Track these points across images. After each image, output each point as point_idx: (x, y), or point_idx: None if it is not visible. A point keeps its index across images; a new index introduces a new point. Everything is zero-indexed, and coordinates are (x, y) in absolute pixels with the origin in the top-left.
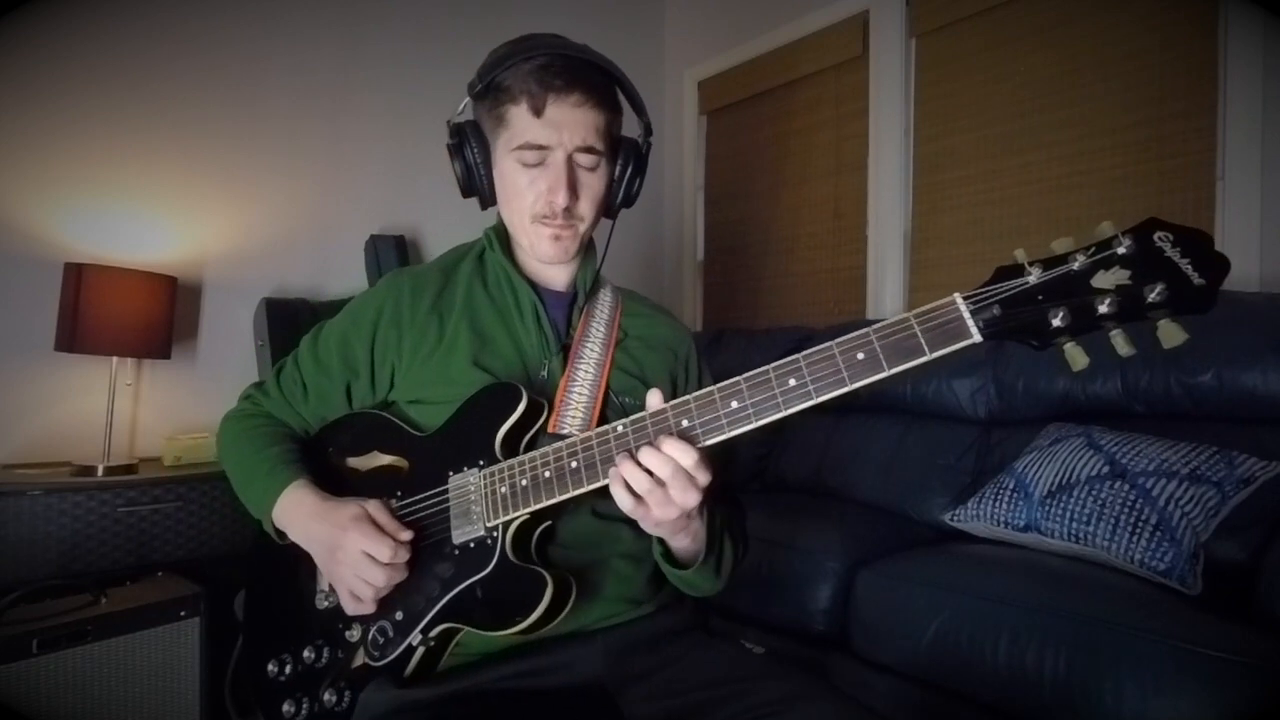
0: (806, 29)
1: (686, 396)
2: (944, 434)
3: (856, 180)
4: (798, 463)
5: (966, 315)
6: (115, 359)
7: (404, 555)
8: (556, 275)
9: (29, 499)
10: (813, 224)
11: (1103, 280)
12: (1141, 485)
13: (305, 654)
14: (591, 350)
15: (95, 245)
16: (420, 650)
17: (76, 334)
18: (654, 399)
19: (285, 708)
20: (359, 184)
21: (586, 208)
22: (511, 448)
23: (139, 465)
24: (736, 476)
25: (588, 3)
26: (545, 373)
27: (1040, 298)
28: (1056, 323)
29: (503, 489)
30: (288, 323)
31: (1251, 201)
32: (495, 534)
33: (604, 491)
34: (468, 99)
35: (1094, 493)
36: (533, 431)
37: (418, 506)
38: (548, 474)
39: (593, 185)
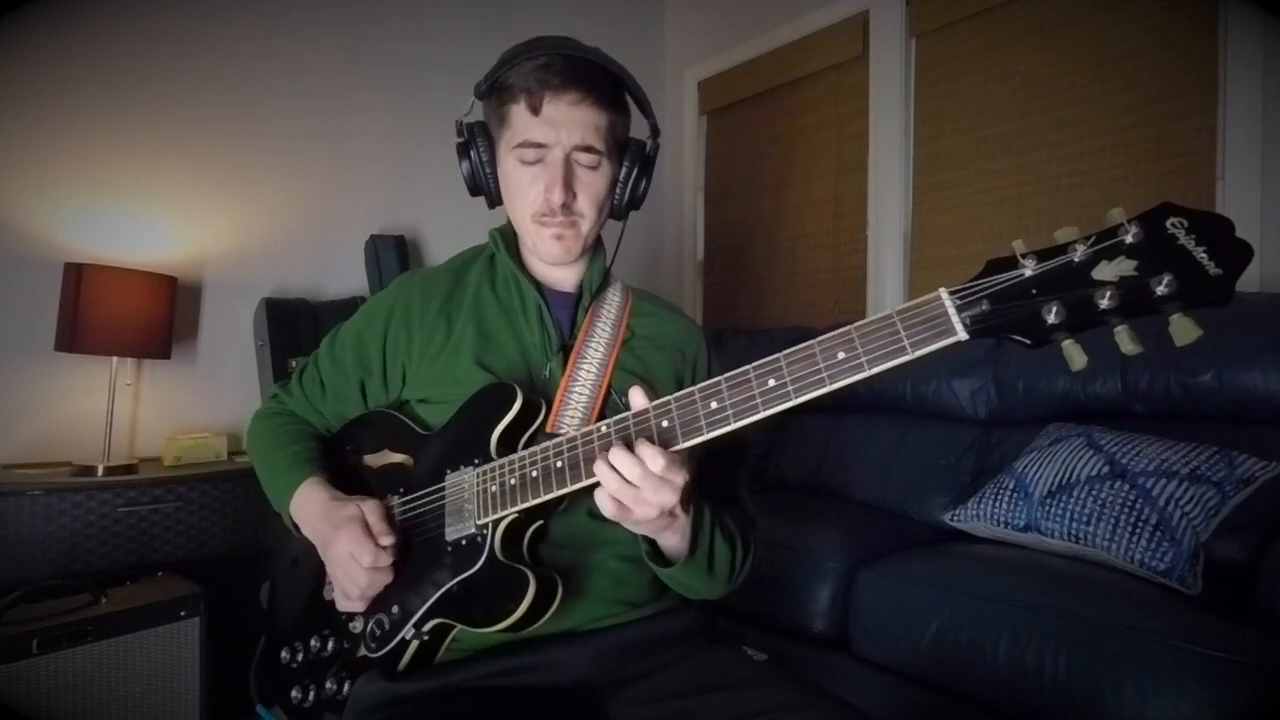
0: (806, 29)
1: (668, 397)
2: (944, 434)
3: (856, 180)
4: (798, 463)
5: (952, 311)
6: (115, 359)
7: (385, 559)
8: (563, 275)
9: (29, 499)
10: (813, 224)
11: (1105, 272)
12: (1141, 485)
13: (313, 643)
14: (595, 350)
15: (95, 245)
16: (414, 644)
17: (76, 334)
18: (636, 398)
19: (294, 694)
20: (359, 184)
21: (586, 206)
22: (509, 447)
23: (139, 465)
24: (743, 477)
25: (588, 3)
26: (547, 372)
27: (1034, 291)
28: (1051, 319)
29: (493, 487)
30: (288, 323)
31: (1251, 201)
32: (485, 532)
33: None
34: (475, 99)
35: (1094, 493)
36: (530, 431)
37: (417, 503)
38: (534, 473)
39: (593, 184)
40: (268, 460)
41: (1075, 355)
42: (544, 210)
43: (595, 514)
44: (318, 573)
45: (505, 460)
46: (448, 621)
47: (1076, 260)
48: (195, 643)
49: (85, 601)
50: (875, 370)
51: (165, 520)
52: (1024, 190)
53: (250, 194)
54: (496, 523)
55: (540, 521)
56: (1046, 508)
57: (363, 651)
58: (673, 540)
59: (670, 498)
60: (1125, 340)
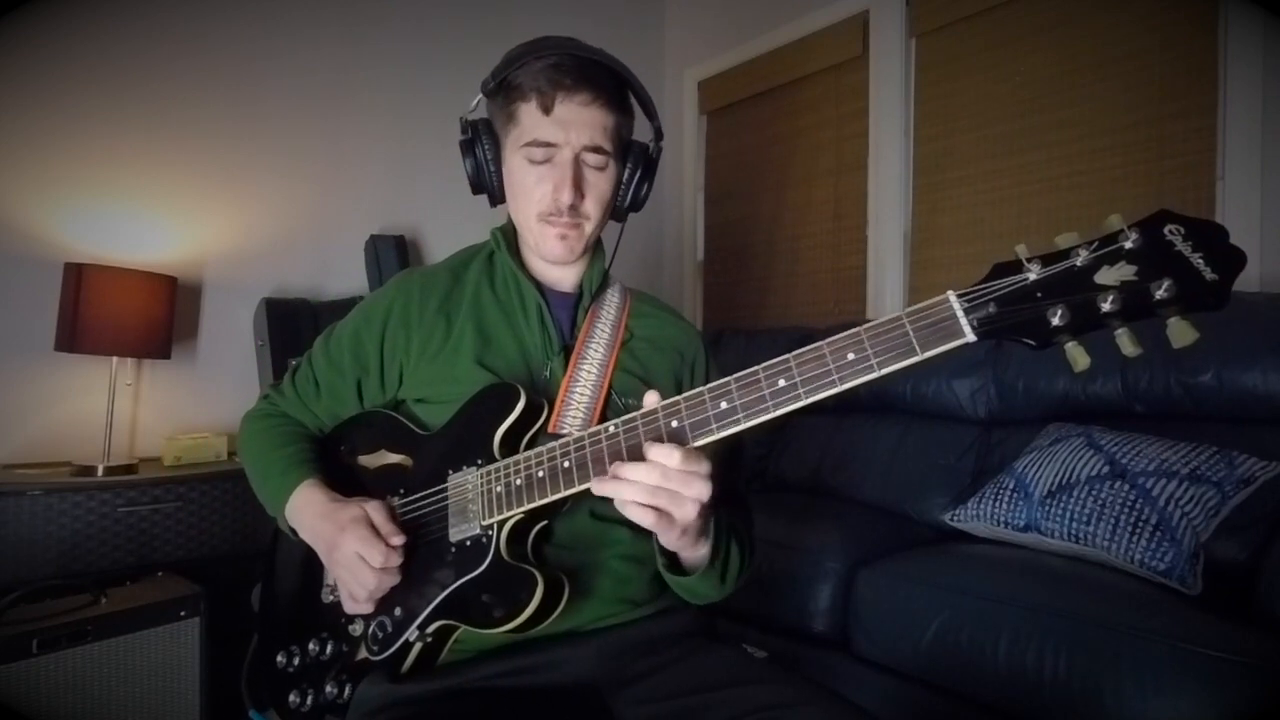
0: (806, 29)
1: (677, 397)
2: (944, 434)
3: (856, 180)
4: (798, 463)
5: (960, 314)
6: (115, 359)
7: (395, 560)
8: (563, 276)
9: (29, 499)
10: (813, 224)
11: (1107, 276)
12: (1141, 485)
13: (311, 646)
14: (595, 351)
15: (95, 245)
16: (417, 646)
17: (76, 334)
18: (650, 399)
19: (292, 698)
20: (359, 184)
21: (592, 207)
22: (511, 447)
23: (139, 465)
24: (742, 478)
25: (588, 3)
26: (548, 373)
27: (1039, 295)
28: (1056, 321)
29: (498, 488)
30: (288, 323)
31: (1251, 201)
32: (490, 533)
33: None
34: (480, 96)
35: (1094, 493)
36: (532, 431)
37: (418, 504)
38: (541, 474)
39: (599, 185)
40: (261, 462)
41: (1078, 357)
42: (550, 210)
43: (598, 514)
44: (313, 575)
45: (510, 461)
46: (452, 623)
47: (1079, 265)
48: (195, 643)
49: (85, 601)
50: (885, 371)
51: (165, 520)
52: (1024, 190)
53: (250, 194)
54: (502, 523)
55: (545, 522)
56: (1046, 508)
57: (363, 654)
58: (703, 550)
59: (704, 488)
60: (1126, 342)
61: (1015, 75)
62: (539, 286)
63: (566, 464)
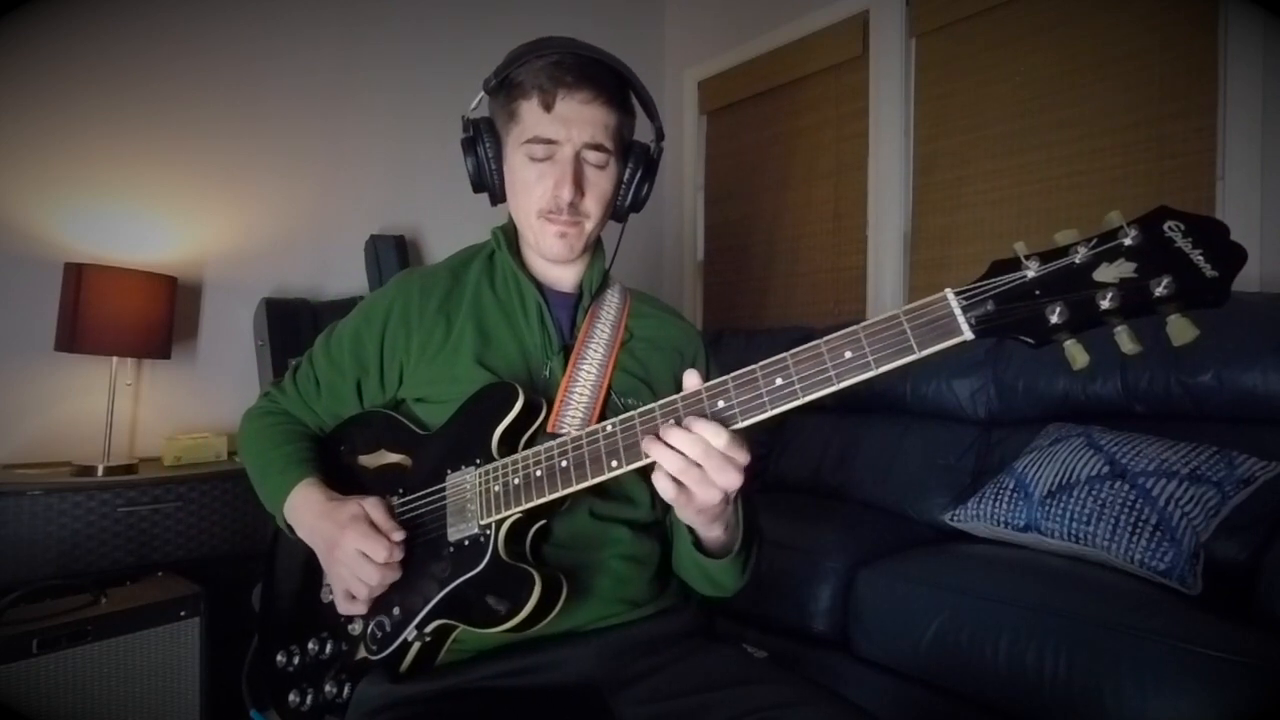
0: (806, 29)
1: (674, 396)
2: (944, 434)
3: (856, 180)
4: (798, 463)
5: (958, 311)
6: (115, 359)
7: (398, 555)
8: (563, 275)
9: (29, 499)
10: (813, 224)
11: (1106, 273)
12: (1141, 485)
13: (310, 646)
14: (595, 351)
15: (95, 245)
16: (416, 645)
17: (76, 334)
18: (691, 379)
19: (291, 698)
20: (359, 184)
21: (593, 205)
22: (510, 447)
23: (139, 465)
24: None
25: (588, 2)
26: (547, 372)
27: (1037, 293)
28: (1054, 319)
29: (496, 487)
30: (288, 323)
31: (1251, 201)
32: (489, 532)
33: (600, 491)
34: (482, 94)
35: (1094, 493)
36: (531, 431)
37: (417, 504)
38: (539, 473)
39: (600, 184)
40: (260, 460)
41: (1077, 355)
42: (551, 207)
43: (597, 514)
44: (314, 574)
45: (508, 460)
46: (451, 622)
47: (1078, 262)
48: (195, 643)
49: (85, 601)
50: (883, 369)
51: (165, 520)
52: (1024, 190)
53: (250, 194)
54: (500, 523)
55: (543, 521)
56: (1046, 508)
57: (362, 654)
58: (717, 532)
59: (735, 480)
60: (1125, 340)
61: (1015, 75)
62: (539, 286)
63: (565, 463)
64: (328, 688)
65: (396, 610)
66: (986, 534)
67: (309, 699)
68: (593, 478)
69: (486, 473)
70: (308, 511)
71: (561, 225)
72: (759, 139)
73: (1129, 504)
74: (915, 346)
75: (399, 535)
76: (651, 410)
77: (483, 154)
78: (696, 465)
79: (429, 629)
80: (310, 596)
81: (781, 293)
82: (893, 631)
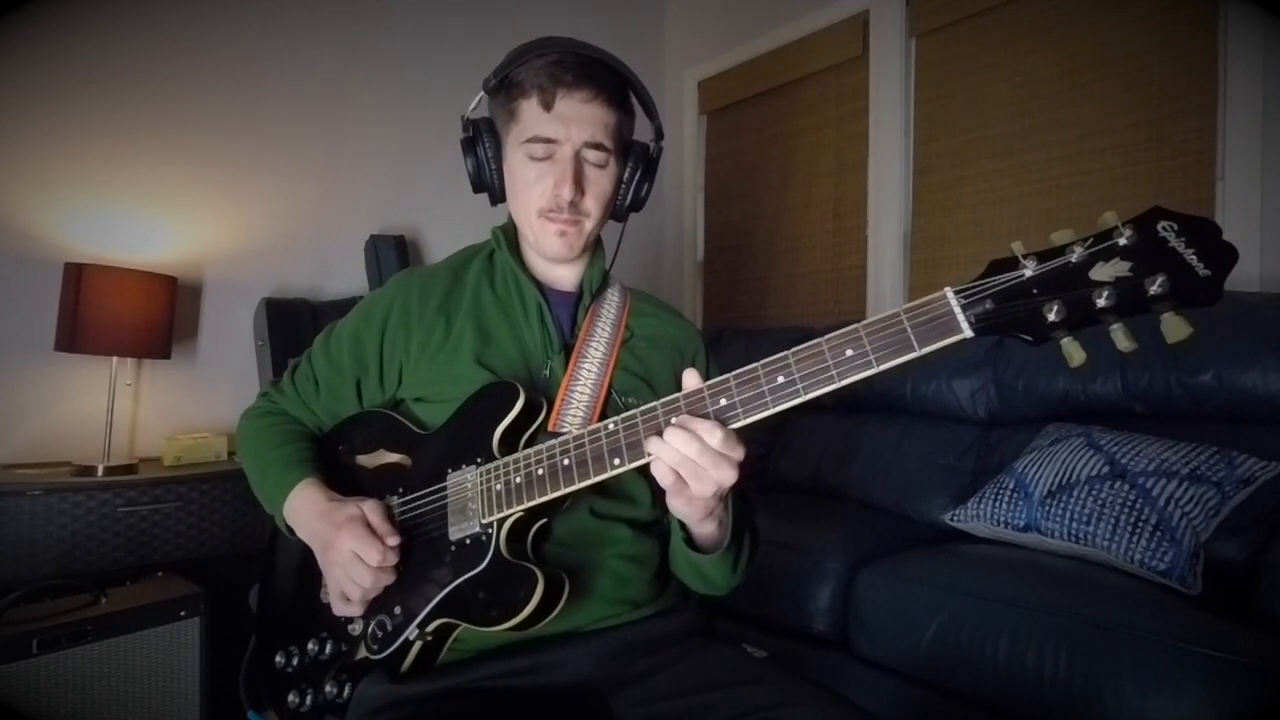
0: (806, 29)
1: (676, 394)
2: (944, 434)
3: (856, 180)
4: (798, 463)
5: (957, 310)
6: (115, 359)
7: (392, 559)
8: (563, 275)
9: (29, 499)
10: (813, 224)
11: (1102, 272)
12: (1141, 485)
13: (310, 646)
14: (596, 350)
15: (95, 245)
16: (417, 645)
17: (76, 334)
18: (691, 379)
19: (291, 698)
20: (359, 184)
21: (593, 204)
22: (511, 446)
23: (139, 465)
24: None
25: (588, 2)
26: (548, 372)
27: (1035, 291)
28: (1052, 317)
29: (498, 486)
30: (288, 323)
31: (1251, 201)
32: (490, 531)
33: (601, 490)
34: (482, 94)
35: (1094, 493)
36: (532, 430)
37: (417, 503)
38: (540, 471)
39: (600, 183)
40: (260, 461)
41: (1074, 352)
42: (550, 206)
43: (598, 513)
44: (312, 575)
45: (509, 459)
46: (452, 621)
47: (1074, 261)
48: (195, 643)
49: (85, 601)
50: (883, 367)
51: (165, 520)
52: (1024, 190)
53: (250, 194)
54: (501, 521)
55: (544, 520)
56: (1046, 508)
57: (362, 654)
58: (709, 528)
59: (730, 475)
60: (1120, 337)
61: (1015, 75)
62: (539, 286)
63: (566, 462)
64: (328, 688)
65: (398, 610)
66: (986, 534)
67: (309, 699)
68: (595, 475)
69: (488, 471)
70: (307, 512)
71: (561, 224)
72: (759, 139)
73: (1129, 504)
74: (916, 344)
75: (394, 540)
76: (654, 408)
77: (482, 154)
78: (693, 461)
79: (430, 628)
80: (309, 597)
81: (781, 293)
82: (893, 631)
